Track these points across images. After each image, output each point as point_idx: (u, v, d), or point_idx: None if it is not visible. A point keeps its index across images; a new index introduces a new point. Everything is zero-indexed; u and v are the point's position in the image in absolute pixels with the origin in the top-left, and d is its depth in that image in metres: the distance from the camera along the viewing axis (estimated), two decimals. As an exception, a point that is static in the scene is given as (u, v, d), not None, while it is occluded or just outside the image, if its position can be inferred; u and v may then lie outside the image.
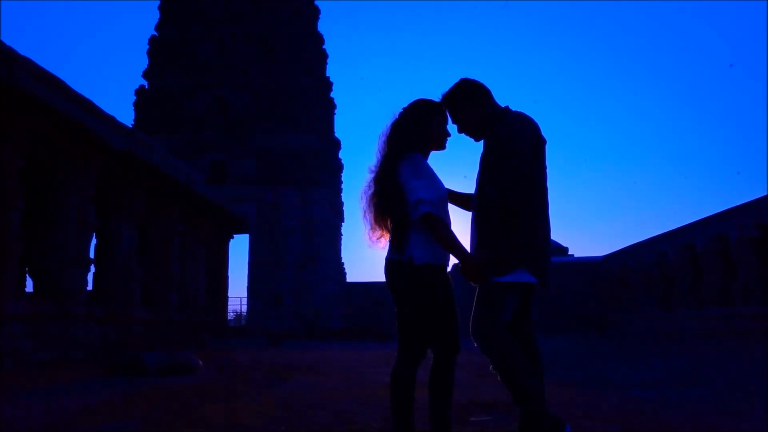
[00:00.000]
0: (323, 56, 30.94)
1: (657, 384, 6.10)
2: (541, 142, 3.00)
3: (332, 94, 31.14)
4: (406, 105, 3.06)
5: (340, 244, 30.63)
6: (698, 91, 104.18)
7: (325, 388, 6.14)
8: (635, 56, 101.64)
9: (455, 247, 2.83)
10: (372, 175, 2.99)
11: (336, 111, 31.42)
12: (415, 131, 2.96)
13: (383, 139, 3.01)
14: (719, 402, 4.74)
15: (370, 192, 2.98)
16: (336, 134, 31.36)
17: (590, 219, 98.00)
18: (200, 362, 8.27)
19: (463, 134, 3.14)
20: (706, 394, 5.22)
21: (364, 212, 3.00)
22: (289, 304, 28.13)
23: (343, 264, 30.68)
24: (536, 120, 3.05)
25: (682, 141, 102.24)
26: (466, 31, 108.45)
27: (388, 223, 2.95)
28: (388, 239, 2.96)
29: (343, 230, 31.15)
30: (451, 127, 3.10)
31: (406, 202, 2.84)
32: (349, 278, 30.77)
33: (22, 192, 9.45)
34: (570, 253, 34.18)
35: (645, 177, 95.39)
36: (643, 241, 25.81)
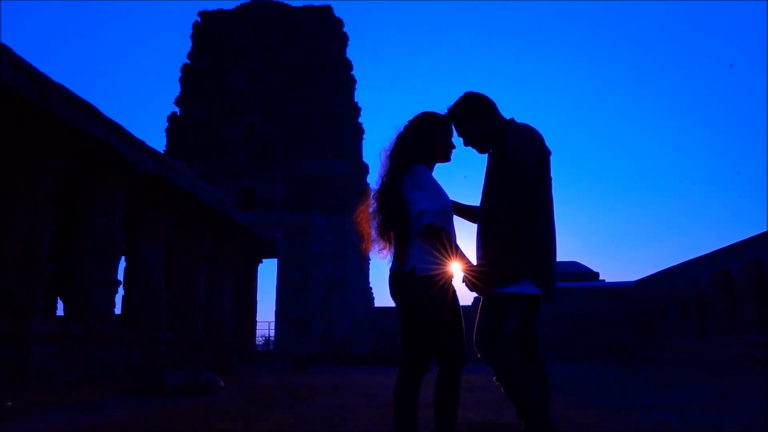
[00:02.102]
0: (352, 82, 31.32)
1: (680, 408, 5.97)
2: (545, 153, 3.00)
3: (360, 119, 31.45)
4: (411, 118, 3.08)
5: (368, 269, 30.66)
6: (698, 91, 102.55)
7: (343, 407, 6.11)
8: (635, 57, 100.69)
9: (459, 257, 2.82)
10: (373, 192, 3.00)
11: (364, 136, 31.70)
12: (419, 144, 2.98)
13: (386, 154, 3.03)
14: (731, 425, 4.61)
15: (371, 209, 2.99)
16: (364, 159, 31.59)
17: (621, 244, 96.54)
18: (221, 382, 8.31)
19: (469, 147, 3.15)
20: (723, 419, 5.08)
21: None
22: (317, 329, 28.13)
23: (371, 289, 30.68)
24: (544, 137, 3.04)
25: (681, 140, 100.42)
26: (485, 41, 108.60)
27: (392, 235, 2.96)
28: (391, 252, 2.96)
29: (371, 255, 31.19)
30: (457, 140, 3.12)
31: (409, 213, 2.84)
32: (377, 303, 30.72)
33: (53, 214, 9.67)
34: (601, 278, 33.66)
35: (656, 189, 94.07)
36: (677, 265, 25.31)
